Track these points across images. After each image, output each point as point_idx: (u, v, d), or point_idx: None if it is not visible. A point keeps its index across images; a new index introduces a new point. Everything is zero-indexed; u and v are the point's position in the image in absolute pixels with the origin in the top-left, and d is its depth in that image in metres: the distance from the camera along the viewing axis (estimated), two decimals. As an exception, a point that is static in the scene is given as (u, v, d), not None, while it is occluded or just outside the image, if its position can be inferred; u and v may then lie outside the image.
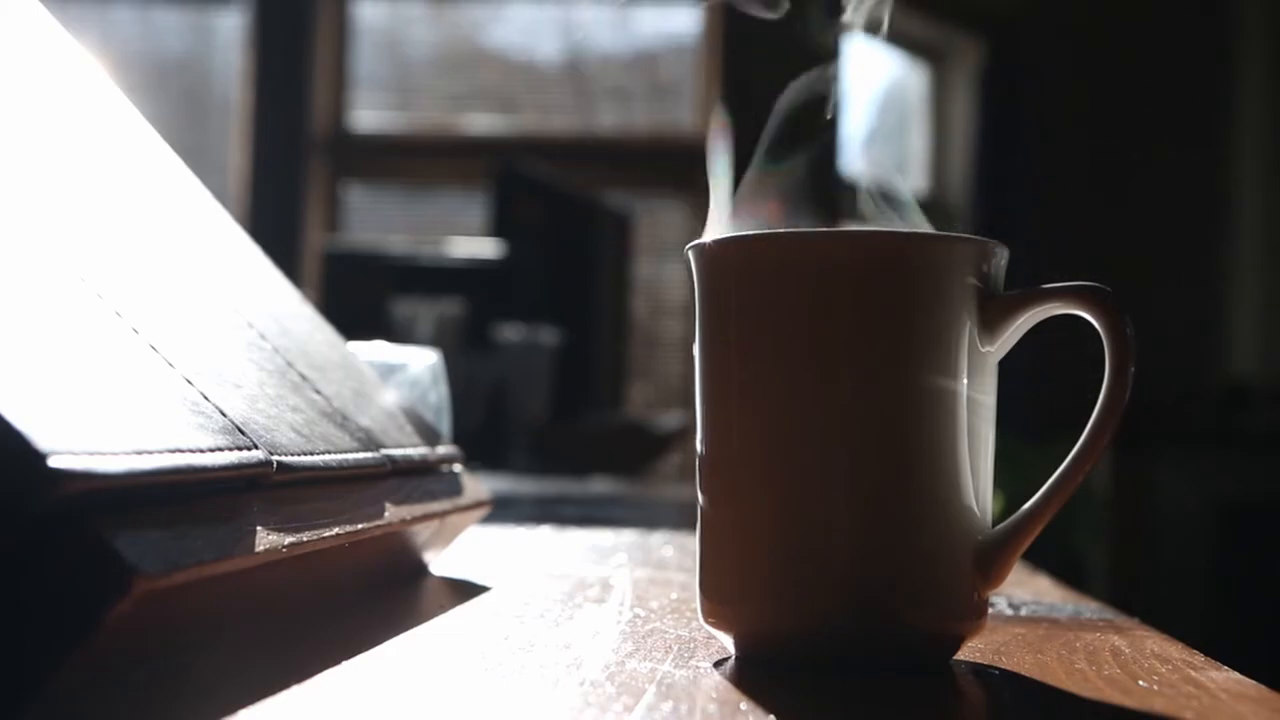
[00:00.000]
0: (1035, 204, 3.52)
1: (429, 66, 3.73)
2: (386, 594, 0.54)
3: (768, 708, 0.35)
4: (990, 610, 0.44)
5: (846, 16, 0.45)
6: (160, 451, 0.34)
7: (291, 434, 0.45)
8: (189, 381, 0.40)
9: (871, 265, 0.40)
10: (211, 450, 0.37)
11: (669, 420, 2.49)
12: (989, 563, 0.41)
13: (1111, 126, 3.56)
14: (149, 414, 0.36)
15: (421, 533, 0.58)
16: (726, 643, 0.42)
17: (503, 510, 0.91)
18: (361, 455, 0.50)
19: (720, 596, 0.42)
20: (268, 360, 0.51)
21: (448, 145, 3.64)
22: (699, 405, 0.43)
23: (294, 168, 3.58)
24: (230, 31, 3.68)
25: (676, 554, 0.73)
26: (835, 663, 0.40)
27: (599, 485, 1.65)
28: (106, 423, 0.33)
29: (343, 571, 0.50)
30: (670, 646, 0.43)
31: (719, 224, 0.45)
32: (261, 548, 0.37)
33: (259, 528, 0.38)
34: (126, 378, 0.37)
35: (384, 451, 0.54)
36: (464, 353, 2.07)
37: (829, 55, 0.45)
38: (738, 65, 3.42)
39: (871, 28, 0.44)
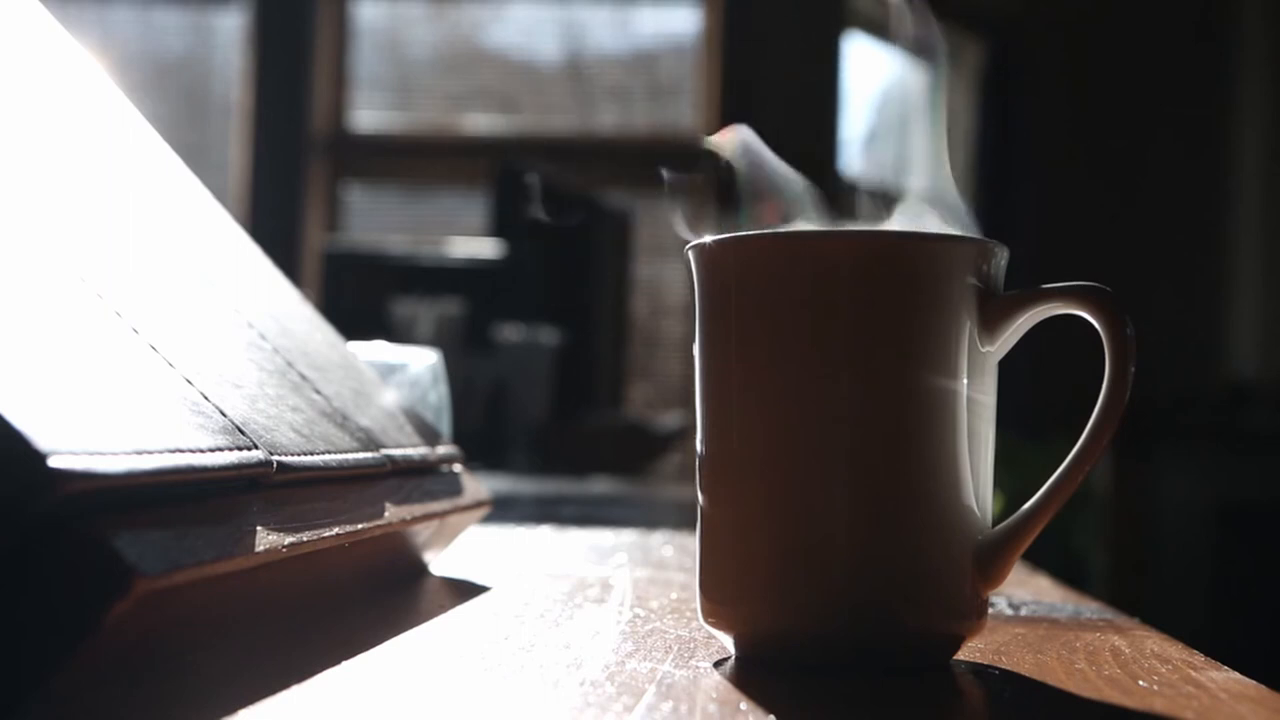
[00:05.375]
0: (1035, 204, 3.52)
1: (429, 66, 3.73)
2: (386, 594, 0.54)
3: (768, 708, 0.35)
4: (990, 610, 0.44)
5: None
6: (160, 451, 0.34)
7: (291, 434, 0.45)
8: (189, 381, 0.40)
9: (871, 265, 0.40)
10: (211, 450, 0.37)
11: (669, 420, 2.49)
12: (989, 563, 0.41)
13: (1112, 126, 3.56)
14: (149, 414, 0.36)
15: (421, 533, 0.58)
16: (726, 643, 0.42)
17: (503, 510, 0.91)
18: (361, 455, 0.50)
19: (720, 596, 0.42)
20: (268, 360, 0.51)
21: (448, 145, 3.64)
22: (699, 405, 0.43)
23: (294, 168, 3.58)
24: (230, 31, 3.68)
25: (676, 554, 0.73)
26: (835, 663, 0.40)
27: (599, 485, 1.65)
28: (106, 423, 0.33)
29: (343, 571, 0.50)
30: (670, 646, 0.43)
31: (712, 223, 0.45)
32: (261, 548, 0.37)
33: (259, 528, 0.38)
34: (126, 378, 0.37)
35: (384, 451, 0.54)
36: (464, 353, 2.07)
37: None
38: (739, 66, 3.42)
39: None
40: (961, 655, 0.43)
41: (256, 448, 0.40)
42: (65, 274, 0.39)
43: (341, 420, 0.52)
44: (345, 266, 2.56)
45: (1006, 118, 3.58)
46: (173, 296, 0.47)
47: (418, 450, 0.59)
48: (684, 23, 3.66)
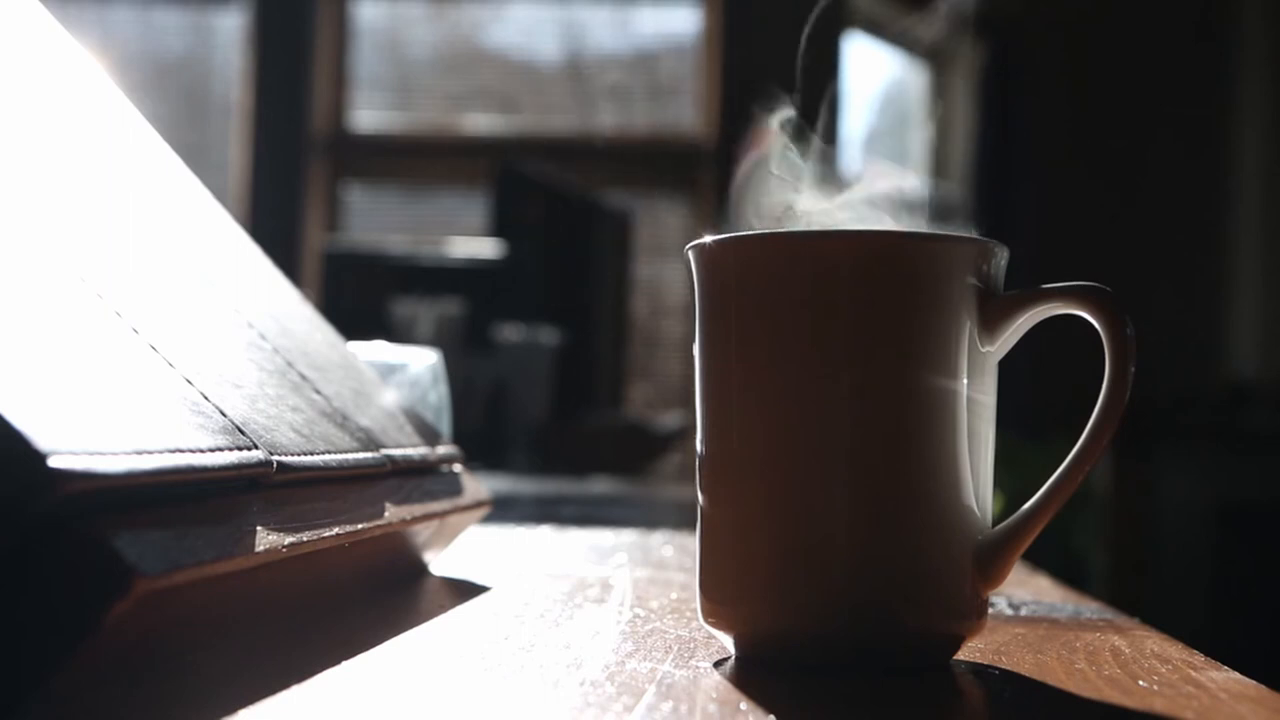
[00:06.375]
0: (1035, 204, 3.52)
1: (429, 66, 3.73)
2: (386, 594, 0.54)
3: (768, 708, 0.35)
4: (990, 610, 0.44)
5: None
6: (160, 451, 0.34)
7: (291, 434, 0.45)
8: (189, 381, 0.40)
9: (871, 265, 0.40)
10: (211, 450, 0.37)
11: (669, 420, 2.49)
12: (989, 563, 0.41)
13: (1112, 126, 3.56)
14: (149, 414, 0.36)
15: (421, 533, 0.58)
16: (726, 643, 0.42)
17: (503, 510, 0.91)
18: (361, 455, 0.50)
19: (720, 596, 0.42)
20: (268, 360, 0.51)
21: (448, 145, 3.64)
22: (699, 405, 0.43)
23: (294, 168, 3.58)
24: (230, 31, 3.68)
25: (676, 554, 0.73)
26: (835, 663, 0.40)
27: (599, 485, 1.65)
28: (106, 423, 0.33)
29: (343, 571, 0.50)
30: (670, 646, 0.43)
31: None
32: (261, 548, 0.37)
33: (259, 528, 0.38)
34: (126, 378, 0.37)
35: (384, 451, 0.54)
36: (464, 353, 2.07)
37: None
38: (740, 67, 3.42)
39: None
40: (961, 655, 0.43)
41: (256, 448, 0.40)
42: (65, 274, 0.39)
43: (341, 420, 0.52)
44: (345, 266, 2.56)
45: (1006, 118, 3.58)
46: (173, 296, 0.47)
47: (418, 450, 0.59)
48: (684, 23, 3.66)
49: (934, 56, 3.85)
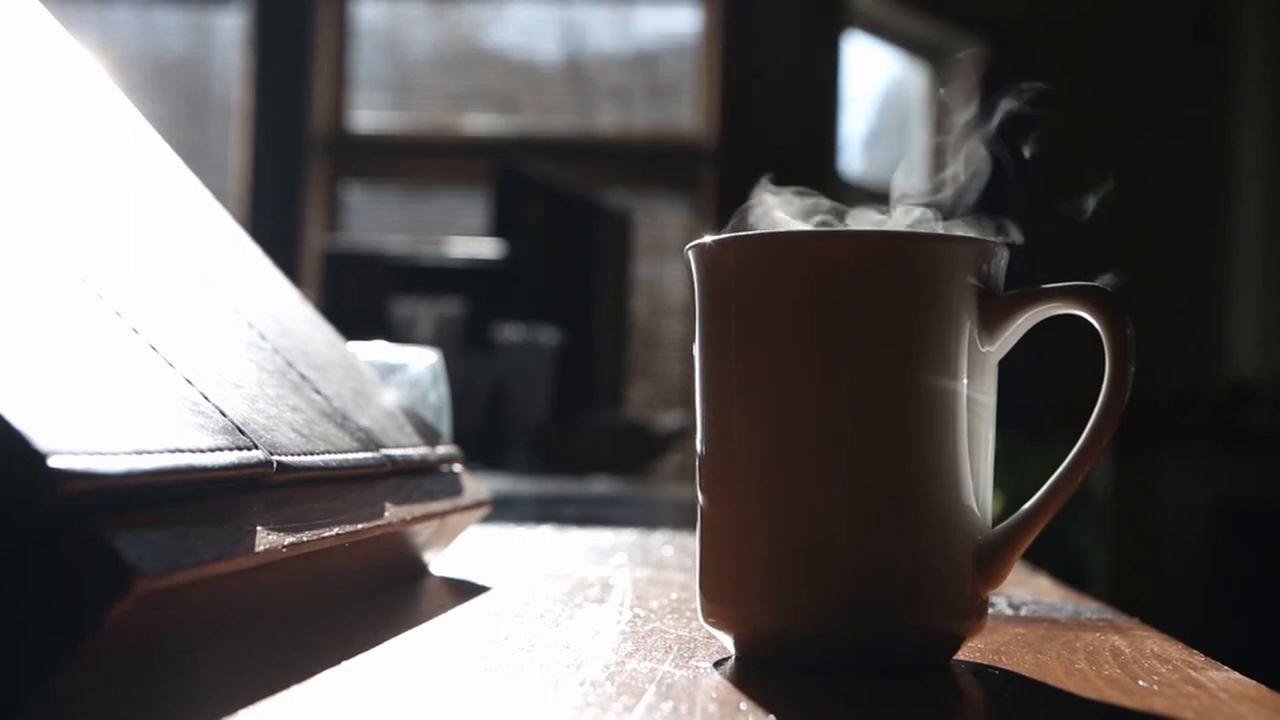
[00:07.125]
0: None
1: (429, 66, 3.73)
2: (386, 594, 0.54)
3: (768, 708, 0.35)
4: (990, 610, 0.44)
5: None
6: (160, 451, 0.34)
7: (291, 434, 0.45)
8: (189, 381, 0.40)
9: (871, 265, 0.40)
10: (211, 450, 0.37)
11: (669, 420, 2.49)
12: (989, 563, 0.41)
13: (1111, 126, 3.56)
14: (149, 414, 0.36)
15: (421, 533, 0.58)
16: (726, 643, 0.42)
17: (503, 510, 0.91)
18: (361, 455, 0.50)
19: (720, 596, 0.42)
20: (268, 360, 0.51)
21: (448, 145, 3.64)
22: (699, 405, 0.43)
23: (294, 168, 3.58)
24: (230, 31, 3.68)
25: (676, 554, 0.73)
26: (835, 663, 0.40)
27: (599, 485, 1.65)
28: (106, 423, 0.33)
29: (343, 571, 0.50)
30: (670, 646, 0.43)
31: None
32: (261, 548, 0.37)
33: (259, 528, 0.38)
34: (126, 378, 0.37)
35: (384, 451, 0.54)
36: (464, 353, 2.07)
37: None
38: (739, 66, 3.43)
39: None
40: (961, 655, 0.43)
41: (256, 448, 0.40)
42: (65, 274, 0.39)
43: (341, 420, 0.52)
44: (345, 266, 2.56)
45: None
46: (173, 296, 0.47)
47: (418, 450, 0.59)
48: (684, 23, 3.66)
49: (934, 56, 3.85)
